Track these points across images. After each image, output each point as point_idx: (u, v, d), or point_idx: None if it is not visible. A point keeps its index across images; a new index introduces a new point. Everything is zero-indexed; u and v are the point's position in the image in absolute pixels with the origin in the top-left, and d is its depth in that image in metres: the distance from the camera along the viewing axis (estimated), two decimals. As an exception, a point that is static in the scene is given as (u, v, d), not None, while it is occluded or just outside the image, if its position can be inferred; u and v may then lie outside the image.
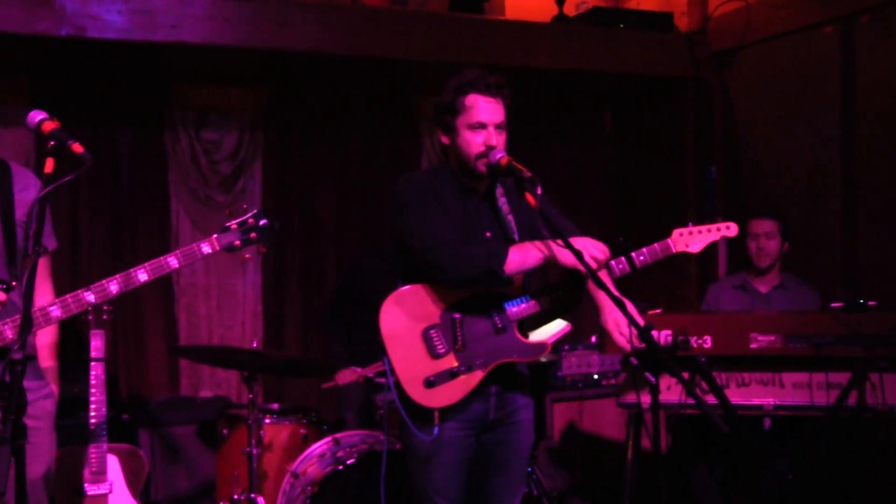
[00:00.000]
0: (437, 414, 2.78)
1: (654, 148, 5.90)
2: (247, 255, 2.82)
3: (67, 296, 2.50)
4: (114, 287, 2.52)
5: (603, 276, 2.75)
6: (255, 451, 3.83)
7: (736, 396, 3.68)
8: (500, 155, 2.78)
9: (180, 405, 4.89)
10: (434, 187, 2.88)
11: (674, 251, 2.93)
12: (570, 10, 5.45)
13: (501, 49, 5.00)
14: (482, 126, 2.79)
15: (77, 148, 2.37)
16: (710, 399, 3.57)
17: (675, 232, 2.94)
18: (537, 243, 2.77)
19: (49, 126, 2.41)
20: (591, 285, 2.83)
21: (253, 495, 3.82)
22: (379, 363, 4.20)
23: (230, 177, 5.31)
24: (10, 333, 2.43)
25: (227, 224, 2.70)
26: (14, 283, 2.51)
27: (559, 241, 2.66)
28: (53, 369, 2.83)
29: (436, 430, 2.78)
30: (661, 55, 5.39)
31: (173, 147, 5.23)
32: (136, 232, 5.18)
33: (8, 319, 2.44)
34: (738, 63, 5.34)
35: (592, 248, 2.73)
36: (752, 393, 3.69)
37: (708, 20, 5.40)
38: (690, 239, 2.93)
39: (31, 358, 2.61)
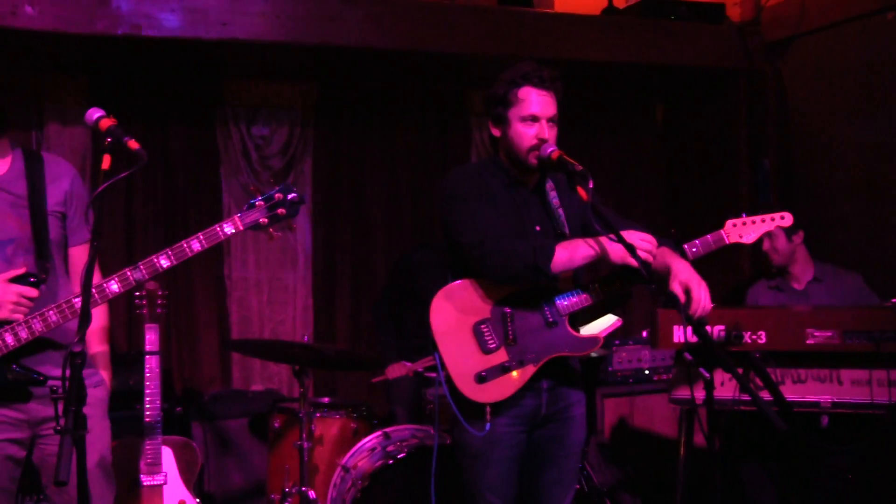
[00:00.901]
0: (488, 409, 2.78)
1: (706, 140, 5.81)
2: (275, 234, 2.59)
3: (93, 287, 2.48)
4: (137, 275, 2.48)
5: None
6: (306, 445, 3.86)
7: (791, 393, 3.60)
8: (551, 149, 2.76)
9: (232, 398, 4.94)
10: (483, 180, 2.87)
11: (727, 242, 2.89)
12: (619, 2, 5.39)
13: (551, 42, 4.96)
14: (535, 119, 2.78)
15: (133, 145, 2.41)
16: (765, 396, 3.50)
17: (729, 223, 2.90)
18: (586, 240, 2.74)
19: (106, 123, 2.45)
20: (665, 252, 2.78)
21: (304, 488, 3.85)
22: (429, 357, 4.22)
23: (281, 172, 5.35)
24: (39, 327, 2.45)
25: (253, 201, 2.55)
26: (44, 276, 2.52)
27: (611, 236, 2.62)
28: (104, 354, 2.83)
29: (487, 426, 2.77)
30: (713, 47, 5.30)
31: (225, 143, 5.29)
32: (189, 227, 5.24)
33: (37, 313, 2.46)
34: (793, 53, 5.23)
35: (641, 242, 2.68)
36: (808, 390, 3.61)
37: (761, 10, 5.30)
38: (744, 230, 2.88)
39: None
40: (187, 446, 3.92)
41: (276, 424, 4.13)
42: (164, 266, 2.51)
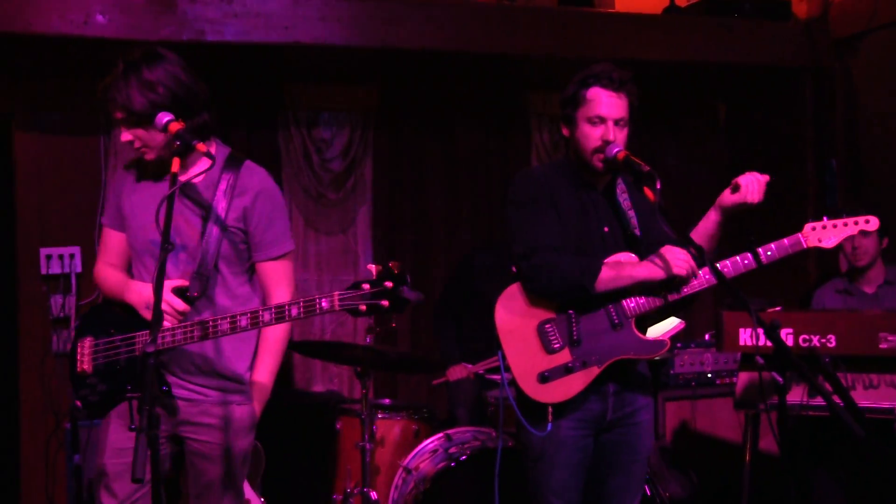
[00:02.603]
0: (550, 410, 2.76)
1: (770, 140, 5.70)
2: (371, 323, 2.40)
3: (228, 315, 2.49)
4: (244, 321, 2.45)
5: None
6: (367, 446, 3.87)
7: (863, 399, 3.51)
8: (616, 149, 2.74)
9: (295, 399, 4.98)
10: (549, 183, 2.86)
11: (805, 247, 2.79)
12: (681, 0, 5.33)
13: (612, 42, 4.92)
14: (601, 120, 2.76)
15: (201, 147, 2.44)
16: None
17: (808, 226, 2.80)
18: (633, 263, 2.76)
19: (175, 127, 2.49)
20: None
21: (366, 489, 3.86)
22: (489, 359, 4.22)
23: (341, 174, 5.39)
24: (179, 336, 2.48)
25: (359, 281, 2.30)
26: (195, 294, 2.55)
27: (656, 261, 2.68)
28: (261, 384, 2.78)
29: (549, 427, 2.75)
30: (778, 44, 5.21)
31: (286, 146, 5.34)
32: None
33: (183, 325, 2.49)
34: (864, 49, 5.10)
35: (676, 263, 2.70)
36: (881, 395, 3.52)
37: (829, 6, 5.19)
38: (824, 234, 2.78)
39: (210, 364, 2.65)
40: (254, 446, 3.96)
41: (338, 425, 4.16)
42: (266, 320, 2.45)
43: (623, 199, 2.88)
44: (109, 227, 2.77)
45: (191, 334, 2.46)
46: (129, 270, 2.79)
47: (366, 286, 2.28)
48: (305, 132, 5.34)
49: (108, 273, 2.76)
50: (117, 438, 2.62)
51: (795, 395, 3.46)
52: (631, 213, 2.85)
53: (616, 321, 2.79)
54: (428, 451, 3.84)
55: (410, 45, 4.60)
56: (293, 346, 5.25)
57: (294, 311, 2.39)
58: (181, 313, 2.51)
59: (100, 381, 2.61)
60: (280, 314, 2.40)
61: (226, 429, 2.65)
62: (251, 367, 2.75)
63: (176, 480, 2.90)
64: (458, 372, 4.35)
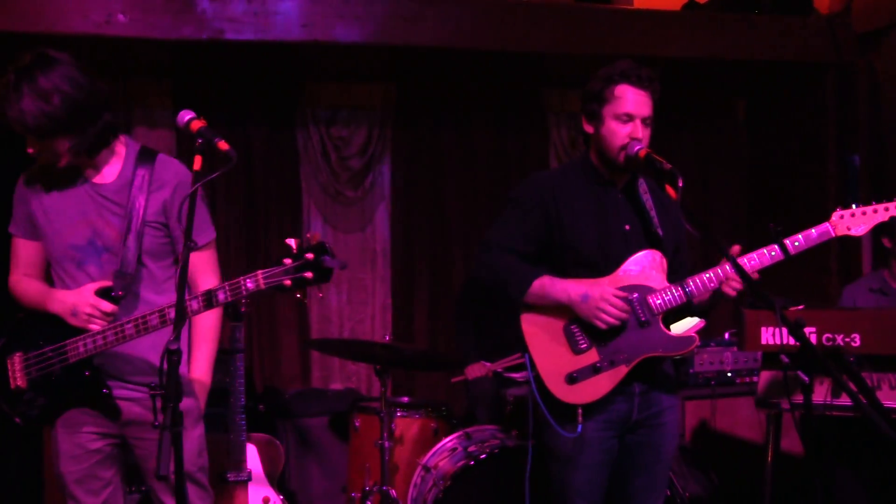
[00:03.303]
0: (580, 411, 2.74)
1: (791, 137, 5.65)
2: (297, 295, 2.36)
3: (139, 316, 2.49)
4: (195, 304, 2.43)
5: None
6: (386, 444, 3.87)
7: (889, 399, 3.47)
8: (638, 147, 2.73)
9: (313, 397, 4.99)
10: (557, 188, 2.86)
11: (833, 235, 2.74)
12: (701, -4, 5.30)
13: (630, 39, 4.89)
14: (630, 118, 2.75)
15: (223, 146, 2.43)
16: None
17: (835, 214, 2.74)
18: (564, 287, 2.76)
19: (197, 125, 2.48)
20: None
21: (385, 487, 3.86)
22: (508, 357, 4.20)
23: (360, 172, 5.39)
24: (112, 338, 2.48)
25: (282, 258, 2.31)
26: (121, 293, 2.54)
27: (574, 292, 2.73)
28: (199, 386, 2.77)
29: (579, 428, 2.73)
30: (800, 40, 5.16)
31: (305, 144, 5.35)
32: (269, 227, 5.33)
33: (115, 324, 2.49)
34: (887, 45, 5.04)
35: (603, 311, 2.71)
36: (906, 395, 3.48)
37: (851, 1, 5.13)
38: (853, 221, 2.72)
39: (138, 363, 2.64)
40: (271, 444, 3.97)
41: (357, 423, 4.15)
42: (194, 308, 2.42)
43: (645, 198, 2.86)
44: (20, 237, 2.70)
45: (122, 334, 2.47)
46: (47, 279, 2.73)
47: (287, 261, 2.28)
48: (324, 130, 5.34)
49: (26, 284, 2.68)
50: (68, 447, 2.62)
51: (819, 395, 3.42)
52: (653, 213, 2.83)
53: (643, 319, 2.77)
54: (447, 450, 3.83)
55: (428, 43, 4.60)
56: (312, 344, 5.28)
57: (221, 296, 2.39)
58: (108, 314, 2.50)
59: (38, 395, 2.57)
60: (208, 300, 2.40)
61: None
62: (188, 361, 2.73)
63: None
64: (476, 370, 4.33)
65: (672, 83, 5.70)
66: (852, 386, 3.39)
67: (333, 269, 2.28)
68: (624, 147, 2.76)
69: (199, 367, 2.76)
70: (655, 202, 2.87)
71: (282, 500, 3.90)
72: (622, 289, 2.78)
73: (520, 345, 2.83)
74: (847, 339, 3.46)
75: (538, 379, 2.77)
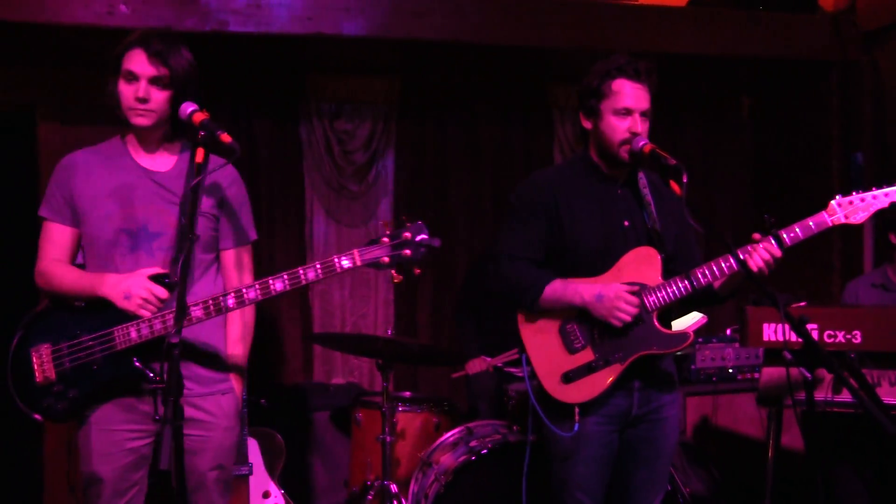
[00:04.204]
0: (577, 410, 2.74)
1: (795, 134, 5.65)
2: (396, 276, 2.41)
3: (209, 298, 2.51)
4: (252, 294, 2.48)
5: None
6: (388, 439, 3.87)
7: (889, 396, 3.47)
8: (643, 142, 2.72)
9: (315, 391, 4.99)
10: (556, 187, 2.86)
11: (830, 224, 2.70)
12: (707, -8, 5.28)
13: (636, 35, 4.88)
14: (628, 112, 2.74)
15: (226, 138, 2.45)
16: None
17: (833, 203, 2.70)
18: (576, 288, 2.77)
19: (199, 117, 2.50)
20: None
21: (386, 482, 3.87)
22: (508, 352, 4.21)
23: (363, 166, 5.38)
24: (158, 325, 2.47)
25: (379, 236, 2.38)
26: (176, 280, 2.51)
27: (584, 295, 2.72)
28: (239, 357, 2.77)
29: (576, 427, 2.73)
30: (805, 37, 5.15)
31: (308, 137, 5.34)
32: (273, 220, 5.32)
33: (161, 313, 2.48)
34: (892, 43, 5.02)
35: (617, 309, 2.72)
36: (907, 392, 3.48)
37: (857, -2, 5.13)
38: (851, 209, 2.68)
39: (205, 357, 2.65)
40: (272, 438, 3.98)
41: (359, 417, 4.16)
42: (279, 289, 2.47)
43: (645, 192, 2.85)
44: (56, 222, 2.67)
45: (188, 317, 2.43)
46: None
47: (385, 239, 2.34)
48: (327, 124, 5.33)
49: (63, 269, 2.64)
50: (102, 445, 2.56)
51: (820, 392, 3.43)
52: (652, 208, 2.83)
53: (637, 316, 2.76)
54: (448, 445, 3.83)
55: (433, 37, 4.58)
56: (314, 338, 5.28)
57: (311, 274, 2.40)
58: (162, 300, 2.48)
59: (69, 387, 2.53)
60: (295, 280, 2.41)
61: (214, 420, 2.63)
62: (227, 356, 2.73)
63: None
64: (477, 365, 4.34)
65: (677, 79, 5.72)
66: (853, 382, 3.40)
67: (433, 247, 2.31)
68: (625, 142, 2.76)
69: (237, 350, 2.76)
70: (654, 196, 2.86)
71: (283, 494, 3.91)
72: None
73: (517, 344, 2.83)
74: (848, 336, 3.47)
75: (534, 377, 2.78)
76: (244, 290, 2.48)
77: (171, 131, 2.65)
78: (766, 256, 2.65)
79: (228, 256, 2.75)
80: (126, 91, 2.58)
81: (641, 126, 2.75)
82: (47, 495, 4.86)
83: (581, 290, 2.74)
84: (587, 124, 2.85)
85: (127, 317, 2.49)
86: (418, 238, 2.33)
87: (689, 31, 4.98)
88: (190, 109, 2.53)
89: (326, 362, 5.37)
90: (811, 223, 2.71)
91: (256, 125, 5.26)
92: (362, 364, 5.36)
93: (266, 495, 3.87)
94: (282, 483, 4.03)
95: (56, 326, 2.57)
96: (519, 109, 5.59)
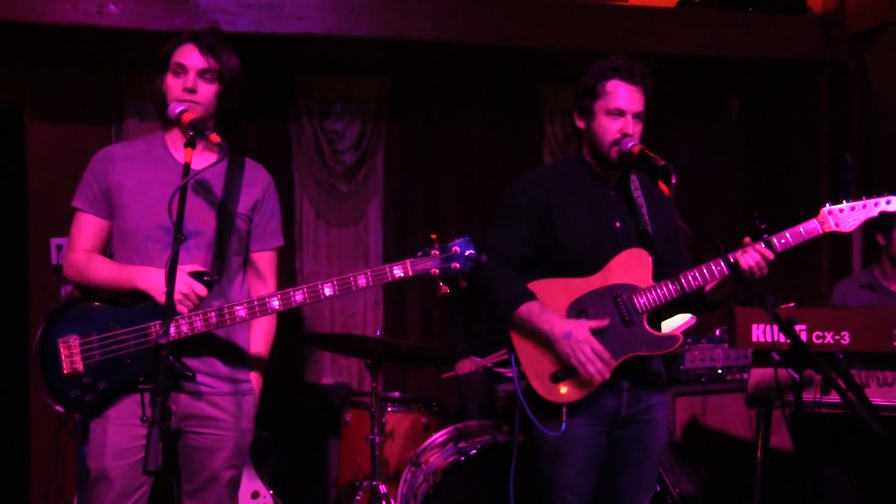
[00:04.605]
0: (565, 409, 2.74)
1: (784, 135, 5.67)
2: (444, 288, 2.48)
3: (254, 298, 2.53)
4: (299, 297, 2.51)
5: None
6: (377, 439, 3.87)
7: (877, 397, 3.48)
8: (632, 143, 2.72)
9: (304, 391, 4.98)
10: (548, 186, 2.85)
11: (821, 232, 2.72)
12: (696, -7, 5.30)
13: (625, 35, 4.90)
14: (621, 113, 2.74)
15: (215, 138, 2.45)
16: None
17: (824, 210, 2.72)
18: (548, 318, 2.73)
19: (188, 117, 2.50)
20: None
21: (375, 482, 3.86)
22: (497, 353, 4.22)
23: (353, 166, 5.38)
24: (199, 324, 2.48)
25: (429, 249, 2.49)
26: (216, 278, 2.53)
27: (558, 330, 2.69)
28: (261, 358, 2.79)
29: (563, 427, 2.73)
30: (793, 38, 5.17)
31: (298, 137, 5.33)
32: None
33: (201, 311, 2.48)
34: (880, 43, 5.05)
35: (580, 348, 2.68)
36: (895, 393, 3.49)
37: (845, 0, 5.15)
38: (842, 217, 2.70)
39: (230, 359, 2.65)
40: (261, 438, 3.97)
41: (348, 418, 4.16)
42: (328, 294, 2.50)
43: (637, 195, 2.85)
44: (90, 213, 2.66)
45: (220, 319, 2.47)
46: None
47: (434, 252, 2.44)
48: (317, 123, 5.32)
49: (99, 260, 2.63)
50: (120, 439, 2.54)
51: (808, 392, 3.44)
52: (644, 210, 2.83)
53: (627, 318, 2.77)
54: (438, 445, 3.83)
55: (423, 37, 4.59)
56: (306, 339, 5.27)
57: (362, 281, 2.46)
58: (200, 297, 2.47)
59: (98, 379, 2.51)
60: (345, 287, 2.46)
61: (234, 420, 2.63)
62: (247, 360, 2.73)
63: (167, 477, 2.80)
64: (466, 365, 4.34)
65: (666, 80, 5.71)
66: (841, 383, 3.41)
67: (481, 262, 2.45)
68: (615, 143, 2.76)
69: (258, 367, 2.77)
70: (647, 199, 2.86)
71: (271, 494, 3.90)
72: (608, 287, 2.79)
73: (506, 343, 2.83)
74: (837, 337, 3.48)
75: (523, 377, 2.77)
76: (291, 293, 2.50)
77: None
78: (758, 257, 2.66)
79: (257, 260, 2.76)
80: (174, 83, 2.59)
81: (634, 128, 2.75)
82: (34, 496, 4.84)
83: (553, 321, 2.72)
84: (581, 124, 2.85)
85: (159, 312, 2.48)
86: (467, 253, 2.44)
87: (678, 31, 5.00)
88: (179, 109, 2.53)
89: (315, 362, 5.36)
90: (802, 230, 2.73)
91: (246, 125, 5.24)
92: (351, 364, 5.35)
93: (255, 495, 3.86)
94: (271, 483, 4.02)
95: (85, 318, 2.56)
96: (509, 109, 5.60)
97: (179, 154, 2.64)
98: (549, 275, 2.82)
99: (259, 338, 2.77)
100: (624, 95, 2.75)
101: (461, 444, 3.73)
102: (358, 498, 3.96)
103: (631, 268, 2.79)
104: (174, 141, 2.67)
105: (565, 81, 5.54)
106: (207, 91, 2.60)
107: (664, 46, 4.98)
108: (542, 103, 5.59)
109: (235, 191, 2.63)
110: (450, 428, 3.90)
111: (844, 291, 4.28)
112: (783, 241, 2.71)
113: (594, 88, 2.78)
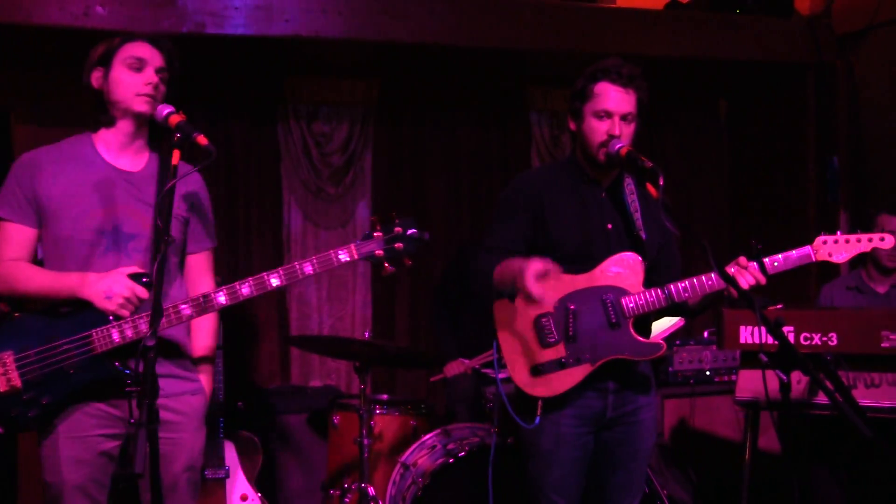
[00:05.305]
0: (540, 403, 2.74)
1: (771, 137, 5.69)
2: (389, 268, 2.51)
3: (199, 295, 2.50)
4: (245, 290, 2.47)
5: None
6: (365, 441, 3.86)
7: (864, 398, 3.50)
8: (619, 145, 2.72)
9: (292, 394, 4.97)
10: (541, 186, 2.86)
11: (814, 260, 2.77)
12: (684, -5, 5.32)
13: (613, 37, 4.90)
14: (608, 115, 2.75)
15: (202, 140, 2.42)
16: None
17: (819, 239, 2.77)
18: (511, 261, 2.70)
19: (175, 119, 2.47)
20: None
21: (363, 485, 3.85)
22: (485, 353, 4.22)
23: (341, 169, 5.37)
24: (144, 327, 2.43)
25: (371, 232, 2.51)
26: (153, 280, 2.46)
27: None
28: (208, 360, 2.76)
29: (537, 420, 2.73)
30: (781, 40, 5.19)
31: (285, 139, 5.32)
32: (250, 222, 5.29)
33: (144, 314, 2.44)
34: (867, 46, 5.08)
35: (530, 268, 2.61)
36: (882, 395, 3.50)
37: (832, 1, 5.17)
38: (836, 248, 2.75)
39: (181, 358, 2.63)
40: (249, 441, 3.96)
41: (336, 420, 4.14)
42: (274, 285, 2.48)
43: (631, 199, 2.86)
44: (15, 222, 2.55)
45: (169, 318, 2.42)
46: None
47: (378, 234, 2.48)
48: (305, 126, 5.31)
49: (32, 271, 2.53)
50: (73, 451, 2.48)
51: (796, 394, 3.45)
52: (637, 214, 2.83)
53: (613, 320, 2.77)
54: (426, 447, 3.83)
55: (411, 39, 4.58)
56: (292, 341, 5.26)
57: (308, 269, 2.46)
58: (140, 300, 2.44)
59: (41, 394, 2.42)
60: (291, 275, 2.45)
61: (187, 421, 2.61)
62: (192, 358, 2.71)
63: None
64: (455, 368, 4.34)
65: (654, 82, 5.72)
66: (829, 385, 3.42)
67: (422, 239, 2.51)
68: (602, 144, 2.76)
69: (206, 367, 2.75)
70: (641, 203, 2.86)
71: (260, 497, 3.88)
72: (597, 288, 2.79)
73: (492, 334, 2.83)
74: (825, 339, 3.50)
75: (502, 365, 2.78)
76: (237, 286, 2.47)
77: (148, 130, 2.63)
78: (752, 281, 2.69)
79: (195, 260, 2.74)
80: (132, 78, 2.55)
81: (622, 129, 2.75)
82: (21, 502, 4.80)
83: (510, 262, 2.69)
84: (573, 126, 2.87)
85: (101, 319, 2.44)
86: (409, 232, 2.50)
87: (666, 34, 5.01)
88: (166, 111, 2.50)
89: (304, 365, 5.35)
90: (795, 256, 2.77)
91: (234, 127, 5.23)
92: (340, 367, 5.34)
93: (243, 499, 3.84)
94: (259, 486, 4.01)
95: (20, 332, 2.46)
96: (496, 112, 5.60)
97: (111, 157, 2.60)
98: None
99: (203, 338, 2.73)
100: (611, 97, 2.75)
101: (449, 447, 3.73)
102: (346, 500, 3.95)
103: (622, 271, 2.80)
104: (106, 142, 2.61)
105: (553, 84, 5.54)
106: (161, 89, 2.59)
107: (652, 49, 4.99)
108: (530, 106, 5.60)
109: (169, 192, 2.57)
110: (438, 430, 3.90)
111: (832, 293, 4.30)
112: (776, 264, 2.75)
113: (584, 90, 2.80)
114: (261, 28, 4.36)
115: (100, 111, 2.59)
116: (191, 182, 2.69)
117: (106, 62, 2.57)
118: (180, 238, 2.66)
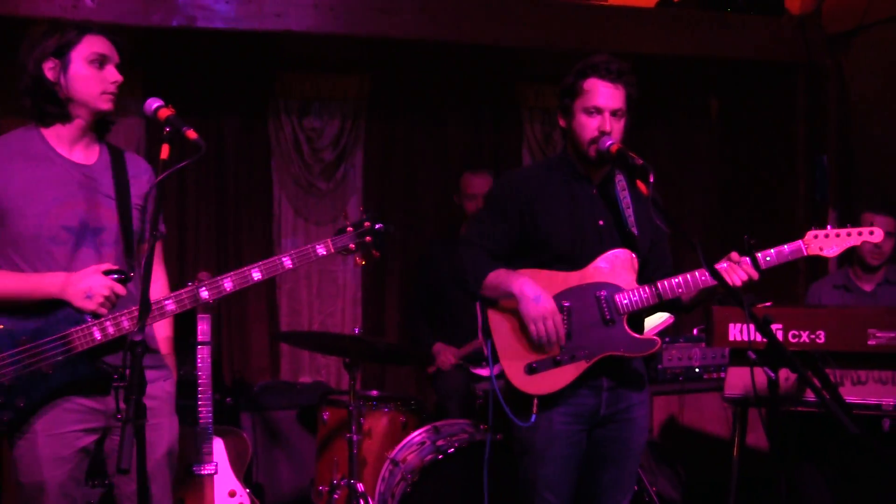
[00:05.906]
0: (535, 401, 2.74)
1: (762, 136, 5.71)
2: (360, 261, 2.71)
3: (182, 291, 2.48)
4: (228, 284, 2.52)
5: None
6: (355, 438, 3.85)
7: (851, 395, 3.52)
8: (610, 142, 2.72)
9: (281, 390, 4.96)
10: (531, 184, 2.86)
11: (805, 254, 2.78)
12: (675, -6, 5.33)
13: (605, 35, 4.91)
14: (598, 111, 2.74)
15: (191, 134, 2.39)
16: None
17: (810, 233, 2.78)
18: (515, 277, 2.76)
19: (165, 113, 2.44)
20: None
21: (352, 481, 3.85)
22: (473, 343, 4.24)
23: (332, 164, 5.36)
24: (126, 323, 2.42)
25: (343, 226, 2.67)
26: (132, 274, 2.48)
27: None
28: (170, 359, 2.79)
29: (533, 418, 2.73)
30: (771, 39, 5.21)
31: (276, 135, 5.31)
32: (240, 218, 5.28)
33: (125, 311, 2.42)
34: (857, 45, 5.10)
35: (542, 314, 2.70)
36: (869, 392, 3.52)
37: (822, 1, 5.19)
38: (826, 242, 2.76)
39: (152, 350, 2.60)
40: (238, 437, 3.95)
41: (326, 416, 4.14)
42: (256, 279, 2.59)
43: (623, 195, 2.85)
44: None
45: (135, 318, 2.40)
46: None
47: (349, 229, 2.66)
48: (296, 121, 5.30)
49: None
50: (53, 449, 2.44)
51: (784, 391, 3.46)
52: (629, 211, 2.83)
53: (608, 317, 2.77)
54: (416, 444, 3.82)
55: (403, 35, 4.58)
56: (281, 337, 5.25)
57: (287, 263, 2.57)
58: (118, 296, 2.43)
59: (15, 397, 2.38)
60: (271, 267, 2.56)
61: (164, 406, 2.61)
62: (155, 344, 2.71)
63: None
64: (447, 357, 4.37)
65: (645, 80, 5.73)
66: (816, 382, 3.44)
67: (389, 233, 2.70)
68: (593, 141, 2.76)
69: (170, 354, 2.76)
70: (633, 200, 2.86)
71: (248, 493, 3.88)
72: (591, 284, 2.78)
73: (483, 329, 2.83)
74: (812, 336, 3.51)
75: (497, 362, 2.78)
76: (220, 281, 2.51)
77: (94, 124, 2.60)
78: (744, 277, 2.70)
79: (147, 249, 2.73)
80: (96, 76, 2.53)
81: (612, 125, 2.75)
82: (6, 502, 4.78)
83: (524, 282, 2.74)
84: (563, 123, 2.86)
85: (78, 317, 2.41)
86: (377, 226, 2.68)
87: (657, 32, 5.02)
88: (155, 105, 2.47)
89: (293, 361, 5.35)
90: (787, 250, 2.77)
91: (224, 122, 5.22)
92: (329, 363, 5.34)
93: (232, 494, 3.83)
94: (247, 482, 4.00)
95: None
96: (488, 108, 5.61)
97: (65, 151, 2.54)
98: (531, 265, 2.82)
99: (162, 328, 2.75)
100: (601, 93, 2.75)
101: (439, 443, 3.72)
102: (335, 496, 3.95)
103: (616, 267, 2.80)
104: (59, 136, 2.54)
105: (545, 81, 5.55)
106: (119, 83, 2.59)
107: (643, 47, 5.00)
108: (522, 102, 5.60)
109: (125, 183, 2.58)
110: (428, 427, 3.89)
111: (819, 291, 4.32)
112: (768, 259, 2.76)
113: (573, 87, 2.79)
114: (252, 23, 4.35)
115: (49, 103, 2.51)
116: (143, 173, 2.67)
117: (62, 54, 2.49)
118: (140, 229, 2.64)
